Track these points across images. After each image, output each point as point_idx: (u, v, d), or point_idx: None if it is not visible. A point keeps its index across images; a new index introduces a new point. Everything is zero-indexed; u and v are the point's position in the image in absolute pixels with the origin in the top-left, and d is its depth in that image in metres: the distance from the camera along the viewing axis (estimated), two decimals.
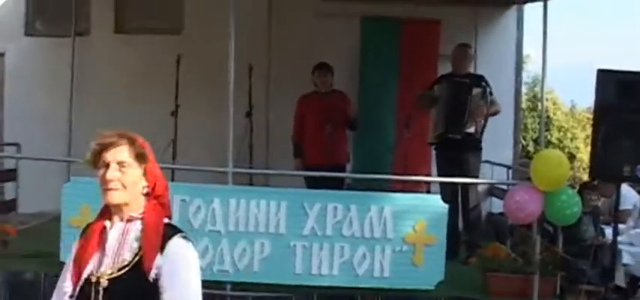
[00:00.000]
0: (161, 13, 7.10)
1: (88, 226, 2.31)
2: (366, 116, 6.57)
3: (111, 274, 2.20)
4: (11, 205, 6.16)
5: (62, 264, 2.34)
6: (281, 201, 4.42)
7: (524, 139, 12.44)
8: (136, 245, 2.23)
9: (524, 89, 9.74)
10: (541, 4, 4.78)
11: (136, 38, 6.93)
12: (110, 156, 2.24)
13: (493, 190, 6.86)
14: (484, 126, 5.43)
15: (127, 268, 2.20)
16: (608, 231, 5.16)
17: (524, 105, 11.42)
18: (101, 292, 2.19)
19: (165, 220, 2.29)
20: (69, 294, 2.24)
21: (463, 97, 5.36)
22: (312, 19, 6.76)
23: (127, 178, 2.25)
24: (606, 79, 4.39)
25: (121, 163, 2.25)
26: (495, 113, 5.48)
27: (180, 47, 6.62)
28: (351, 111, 5.90)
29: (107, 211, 2.28)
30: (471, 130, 5.32)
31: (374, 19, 6.90)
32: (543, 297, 4.40)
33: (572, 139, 16.93)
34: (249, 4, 5.87)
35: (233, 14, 4.50)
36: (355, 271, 4.43)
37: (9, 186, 6.41)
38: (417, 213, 4.43)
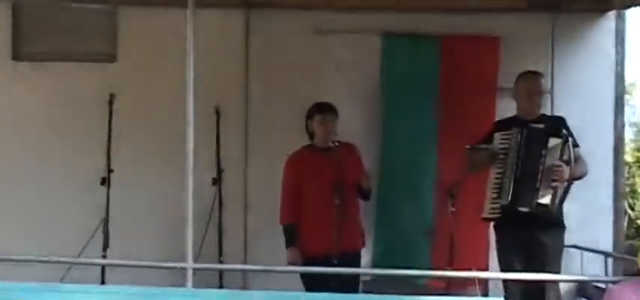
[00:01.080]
0: (83, 33, 7.16)
1: None
2: (390, 179, 6.66)
3: None
4: None
5: None
6: None
7: (632, 209, 12.10)
8: None
9: (629, 134, 9.73)
10: None
11: (46, 68, 6.98)
12: None
13: (584, 290, 6.77)
14: (565, 194, 5.42)
15: None
16: None
17: (629, 157, 10.91)
18: None
19: None
20: None
21: (535, 152, 5.42)
22: (311, 38, 6.88)
23: None
24: None
25: None
26: (582, 176, 5.51)
27: (114, 82, 6.69)
28: (364, 172, 5.97)
29: None
30: (547, 200, 5.35)
31: (401, 37, 6.99)
32: None
33: None
34: (215, 18, 6.26)
35: (192, 31, 4.64)
36: None
37: None
38: None
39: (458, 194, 5.52)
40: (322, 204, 5.74)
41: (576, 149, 5.37)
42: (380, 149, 6.93)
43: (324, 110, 5.91)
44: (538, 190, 5.32)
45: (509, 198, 5.41)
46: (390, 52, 6.97)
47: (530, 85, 5.62)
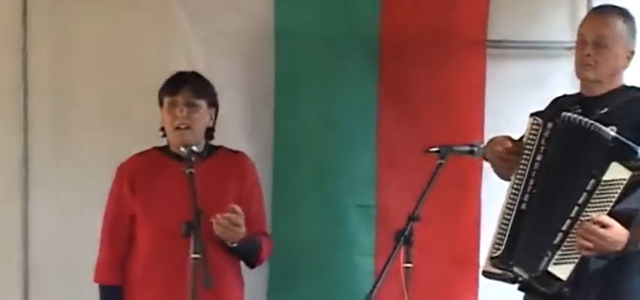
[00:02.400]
0: None
1: None
2: (285, 216, 5.11)
3: None
4: None
5: None
6: None
7: None
8: None
9: None
10: None
11: None
12: None
13: None
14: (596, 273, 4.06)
15: None
16: None
17: None
18: None
19: None
20: None
21: (570, 175, 3.99)
22: None
23: None
24: None
25: None
26: None
27: None
28: (257, 210, 4.66)
29: None
30: (563, 272, 3.93)
31: None
32: None
33: None
34: None
35: None
36: None
37: None
38: None
39: (413, 238, 3.97)
40: (167, 255, 4.41)
41: None
42: (270, 156, 5.23)
43: (174, 87, 4.56)
44: (553, 248, 3.92)
45: (502, 247, 4.08)
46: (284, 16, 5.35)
47: (586, 28, 4.13)
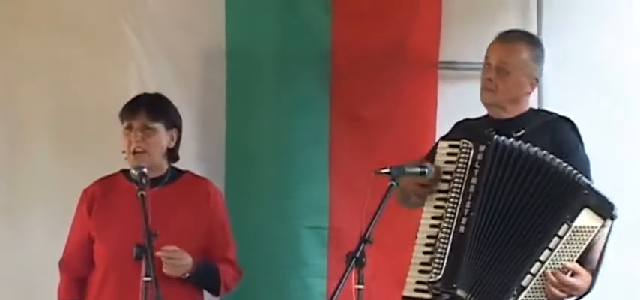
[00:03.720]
0: None
1: None
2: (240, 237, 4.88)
3: None
4: None
5: None
6: None
7: None
8: None
9: None
10: None
11: None
12: None
13: None
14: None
15: None
16: None
17: None
18: None
19: None
20: None
21: (529, 217, 3.97)
22: None
23: None
24: None
25: None
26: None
27: None
28: (223, 238, 4.62)
29: None
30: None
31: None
32: None
33: None
34: None
35: None
36: None
37: None
38: None
39: (365, 260, 3.94)
40: (120, 276, 4.42)
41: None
42: (222, 177, 5.18)
43: (130, 111, 4.57)
44: (520, 289, 3.95)
45: (442, 270, 4.05)
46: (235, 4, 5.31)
47: (491, 52, 4.22)
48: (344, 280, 3.83)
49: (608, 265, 4.14)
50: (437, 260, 3.99)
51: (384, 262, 4.55)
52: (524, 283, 3.87)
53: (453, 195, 4.04)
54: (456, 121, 4.47)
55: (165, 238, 4.21)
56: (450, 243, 3.97)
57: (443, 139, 4.22)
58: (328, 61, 5.19)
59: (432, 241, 4.07)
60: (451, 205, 4.03)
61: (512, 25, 4.87)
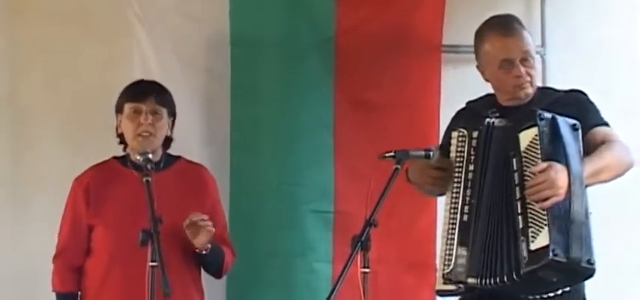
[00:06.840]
0: None
1: None
2: (242, 223, 5.02)
3: None
4: None
5: None
6: None
7: None
8: None
9: None
10: None
11: None
12: None
13: None
14: (581, 219, 3.91)
15: None
16: None
17: None
18: None
19: None
20: None
21: (500, 169, 4.03)
22: None
23: None
24: None
25: None
26: (618, 172, 4.09)
27: None
28: (219, 224, 4.57)
29: None
30: (542, 240, 3.83)
31: None
32: None
33: None
34: None
35: None
36: None
37: None
38: None
39: (370, 243, 3.92)
40: (126, 263, 4.37)
41: (595, 130, 4.01)
42: (227, 164, 5.21)
43: (139, 94, 4.53)
44: (522, 232, 3.88)
45: (451, 264, 4.09)
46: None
47: (509, 50, 4.11)
48: (349, 263, 3.84)
49: (608, 256, 4.12)
50: (448, 251, 4.05)
51: (390, 245, 4.58)
52: (521, 226, 3.90)
53: (455, 185, 4.09)
54: (459, 104, 4.46)
55: (168, 221, 4.21)
56: (457, 232, 4.02)
57: (452, 128, 4.25)
58: (332, 46, 5.22)
59: (450, 235, 4.13)
60: (455, 194, 4.07)
61: (516, 7, 4.91)
